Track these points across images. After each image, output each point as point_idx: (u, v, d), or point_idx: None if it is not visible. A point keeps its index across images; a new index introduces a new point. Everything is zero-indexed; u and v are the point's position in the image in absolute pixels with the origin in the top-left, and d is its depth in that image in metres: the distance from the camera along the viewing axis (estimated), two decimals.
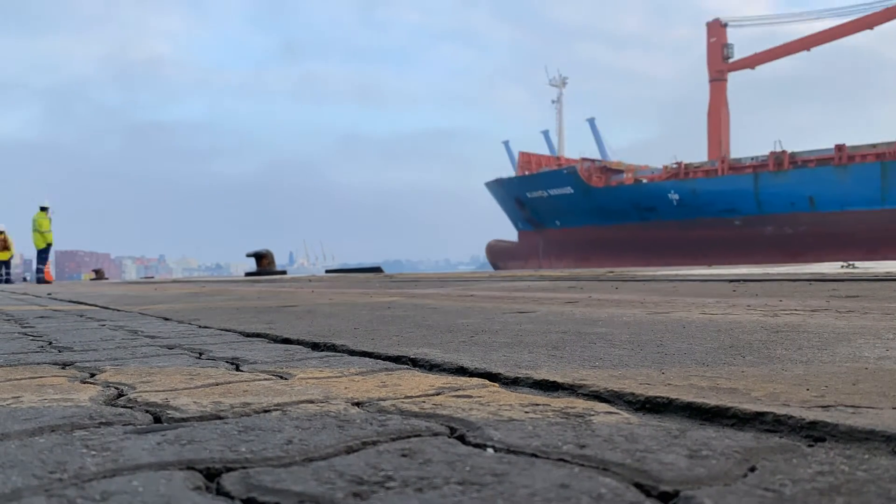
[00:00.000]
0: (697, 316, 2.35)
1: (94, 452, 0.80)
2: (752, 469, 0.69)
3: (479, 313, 2.74)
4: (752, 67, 39.38)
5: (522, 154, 42.31)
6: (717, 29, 39.69)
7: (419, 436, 0.85)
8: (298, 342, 1.93)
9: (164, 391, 1.20)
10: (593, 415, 0.94)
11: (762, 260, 22.08)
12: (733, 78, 40.37)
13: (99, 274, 24.71)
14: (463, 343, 1.77)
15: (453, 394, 1.12)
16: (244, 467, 0.73)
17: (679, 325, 2.05)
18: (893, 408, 0.90)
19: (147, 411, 1.03)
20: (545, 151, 46.83)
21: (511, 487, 0.65)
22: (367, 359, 1.58)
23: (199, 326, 2.56)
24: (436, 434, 0.86)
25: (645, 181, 34.76)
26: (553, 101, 48.81)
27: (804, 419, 0.84)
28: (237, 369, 1.47)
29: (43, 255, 18.19)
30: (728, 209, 30.78)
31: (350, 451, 0.79)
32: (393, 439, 0.84)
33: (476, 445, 0.80)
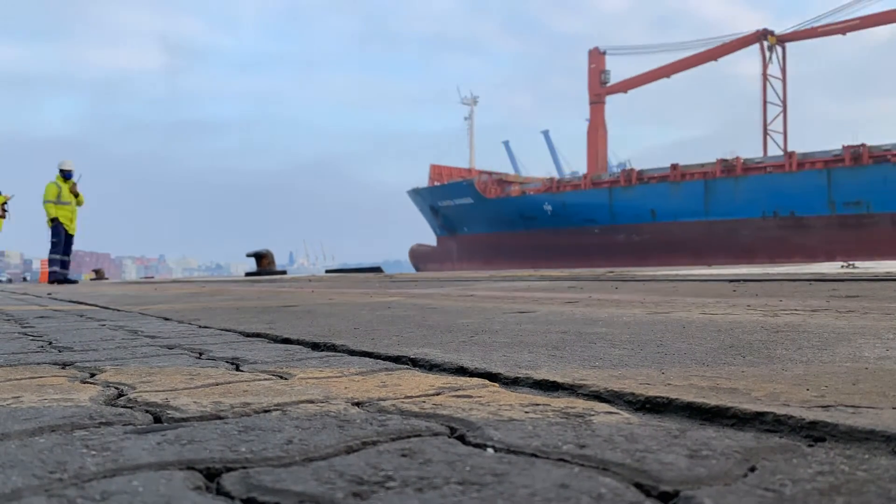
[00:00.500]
0: (697, 316, 2.35)
1: (94, 452, 0.80)
2: (753, 469, 0.69)
3: (479, 313, 2.74)
4: (626, 91, 43.11)
5: (434, 166, 45.52)
6: (596, 56, 43.42)
7: (419, 436, 0.85)
8: (298, 342, 1.93)
9: (164, 391, 1.20)
10: (593, 415, 0.94)
11: (618, 263, 25.61)
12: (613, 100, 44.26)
13: (99, 274, 24.69)
14: (463, 343, 1.77)
15: (453, 394, 1.12)
16: (244, 467, 0.73)
17: (679, 325, 2.05)
18: (893, 408, 0.90)
19: (147, 411, 1.03)
20: (507, 160, 51.67)
21: (511, 487, 0.65)
22: (367, 359, 1.58)
23: (199, 326, 2.56)
24: (436, 434, 0.86)
25: (530, 193, 38.50)
26: (465, 118, 52.87)
27: (804, 419, 0.84)
28: (237, 369, 1.47)
29: (55, 239, 13.84)
30: (589, 219, 34.70)
31: (350, 450, 0.79)
32: (393, 439, 0.84)
33: (476, 445, 0.80)
